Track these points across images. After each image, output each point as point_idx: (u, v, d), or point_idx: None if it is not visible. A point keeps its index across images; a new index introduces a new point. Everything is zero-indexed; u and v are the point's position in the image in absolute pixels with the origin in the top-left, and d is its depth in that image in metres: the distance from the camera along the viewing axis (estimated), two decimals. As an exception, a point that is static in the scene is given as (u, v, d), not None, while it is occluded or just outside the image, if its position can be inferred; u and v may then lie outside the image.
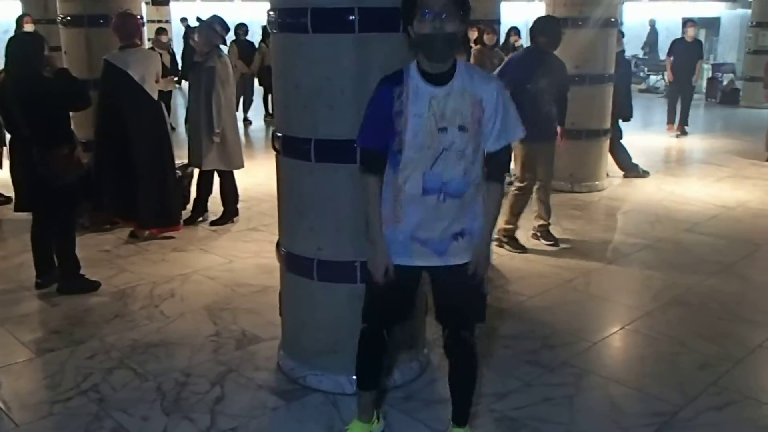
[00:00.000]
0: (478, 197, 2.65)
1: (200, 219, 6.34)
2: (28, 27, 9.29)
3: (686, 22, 11.18)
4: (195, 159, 6.17)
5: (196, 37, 5.99)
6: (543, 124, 5.41)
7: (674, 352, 3.96)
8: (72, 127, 4.79)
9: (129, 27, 5.54)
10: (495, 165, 2.68)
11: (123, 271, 5.15)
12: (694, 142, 10.71)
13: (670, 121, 11.24)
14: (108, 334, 4.13)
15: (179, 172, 6.34)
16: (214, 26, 5.96)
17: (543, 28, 5.50)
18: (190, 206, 6.52)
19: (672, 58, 11.14)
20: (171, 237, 5.83)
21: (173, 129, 9.65)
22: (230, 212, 6.35)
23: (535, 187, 5.74)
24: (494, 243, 5.70)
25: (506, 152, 2.72)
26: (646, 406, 3.40)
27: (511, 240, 5.68)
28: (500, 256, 5.53)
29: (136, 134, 5.55)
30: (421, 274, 2.79)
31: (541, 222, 5.82)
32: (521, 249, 5.63)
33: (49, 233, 4.72)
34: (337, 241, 3.33)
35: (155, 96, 5.63)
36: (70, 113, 4.68)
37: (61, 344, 4.02)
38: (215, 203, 6.42)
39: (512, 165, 7.87)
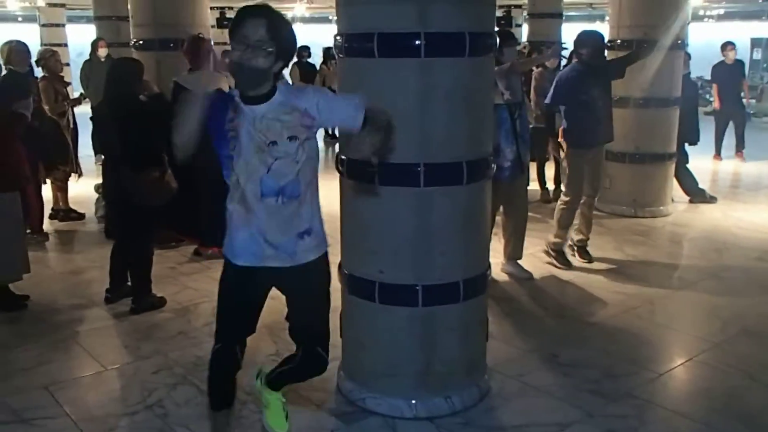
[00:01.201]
0: (314, 198, 2.75)
1: None
2: (102, 51, 9.65)
3: (726, 45, 10.85)
4: None
5: None
6: (597, 126, 5.63)
7: (744, 385, 3.83)
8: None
9: (200, 50, 5.71)
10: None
11: (186, 288, 5.27)
12: (764, 168, 10.37)
13: (717, 150, 10.73)
14: (172, 350, 4.23)
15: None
16: None
17: (583, 41, 5.67)
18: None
19: (717, 84, 10.83)
20: None
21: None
22: None
23: (581, 201, 5.82)
24: (543, 253, 5.82)
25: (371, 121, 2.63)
26: (714, 441, 3.30)
27: (559, 255, 5.75)
28: (560, 282, 5.45)
29: (201, 153, 5.67)
30: (269, 284, 2.84)
31: (581, 237, 5.86)
32: (567, 265, 5.68)
33: (129, 250, 4.87)
34: (399, 264, 3.35)
35: None
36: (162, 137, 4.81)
37: (128, 359, 4.14)
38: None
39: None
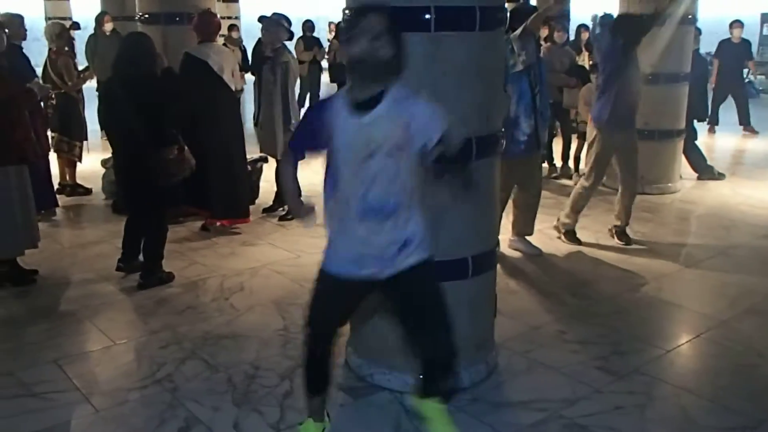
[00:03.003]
0: (414, 204, 2.65)
1: (281, 209, 6.46)
2: (108, 26, 9.58)
3: (733, 23, 10.86)
4: (269, 149, 6.26)
5: (266, 32, 6.13)
6: (626, 112, 5.53)
7: (751, 363, 3.83)
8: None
9: (210, 25, 5.76)
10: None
11: (194, 263, 5.28)
12: (773, 144, 10.31)
13: (712, 121, 10.79)
14: (180, 324, 4.24)
15: (249, 167, 6.47)
16: (282, 22, 6.09)
17: (621, 27, 5.51)
18: (258, 200, 6.65)
19: (718, 60, 10.95)
20: (237, 232, 5.93)
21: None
22: None
23: (619, 190, 5.80)
24: (553, 229, 5.84)
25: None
26: (720, 419, 3.30)
27: (568, 233, 5.79)
28: (567, 259, 5.45)
29: (212, 124, 5.69)
30: (368, 289, 2.77)
31: (617, 223, 5.83)
32: (577, 242, 5.73)
33: (143, 227, 4.87)
34: (408, 240, 3.33)
35: (233, 88, 5.80)
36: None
37: (137, 333, 4.16)
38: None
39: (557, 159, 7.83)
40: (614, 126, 5.53)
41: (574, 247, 5.67)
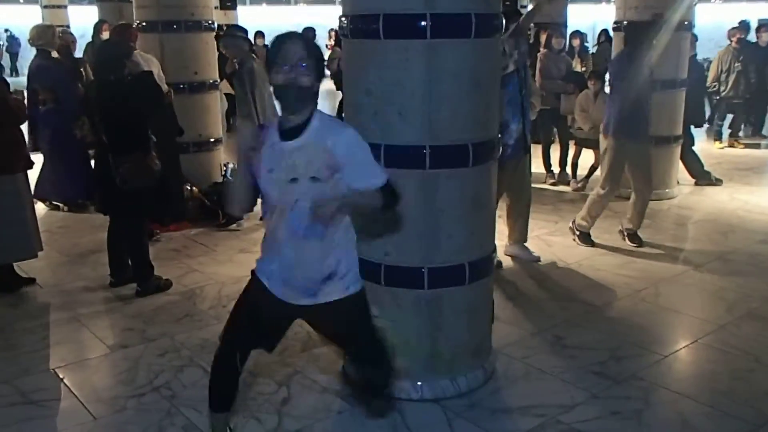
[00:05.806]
0: (339, 237, 2.63)
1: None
2: (106, 34, 9.59)
3: (760, 26, 10.80)
4: None
5: (227, 48, 6.25)
6: (635, 122, 5.51)
7: (749, 368, 3.83)
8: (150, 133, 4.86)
9: (132, 36, 5.94)
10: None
11: (192, 271, 5.28)
12: (771, 150, 10.32)
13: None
14: (178, 332, 4.24)
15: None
16: (237, 34, 6.22)
17: (632, 34, 5.65)
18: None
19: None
20: (235, 237, 6.00)
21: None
22: None
23: (632, 197, 5.85)
24: (568, 230, 5.94)
25: (374, 194, 2.57)
26: (719, 424, 3.30)
27: (582, 235, 5.86)
28: (565, 264, 5.45)
29: (160, 130, 5.68)
30: (292, 315, 2.75)
31: (629, 226, 5.88)
32: (591, 244, 5.82)
33: (123, 235, 4.87)
34: (405, 246, 3.34)
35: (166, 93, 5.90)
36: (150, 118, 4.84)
37: (134, 341, 4.15)
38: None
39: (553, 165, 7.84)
40: (623, 135, 5.53)
41: (572, 253, 5.67)
